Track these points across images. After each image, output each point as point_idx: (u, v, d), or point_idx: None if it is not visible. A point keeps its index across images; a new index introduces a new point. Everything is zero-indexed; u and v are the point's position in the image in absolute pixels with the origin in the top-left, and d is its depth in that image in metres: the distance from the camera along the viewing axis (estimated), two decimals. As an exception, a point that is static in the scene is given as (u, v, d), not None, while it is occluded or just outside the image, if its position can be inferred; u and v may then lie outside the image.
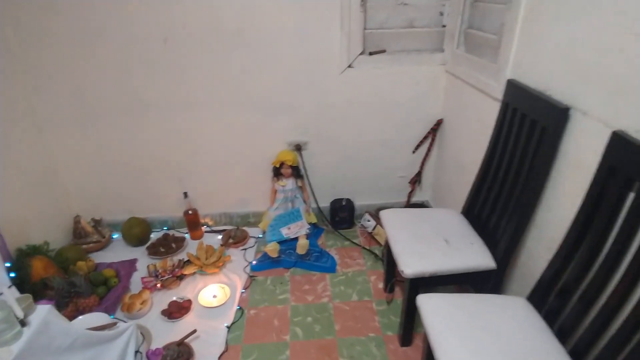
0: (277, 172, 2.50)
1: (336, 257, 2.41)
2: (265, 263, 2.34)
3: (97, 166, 2.48)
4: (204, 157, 2.50)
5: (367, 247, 2.49)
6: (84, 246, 2.47)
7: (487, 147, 1.77)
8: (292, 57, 2.24)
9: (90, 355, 1.30)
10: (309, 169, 2.56)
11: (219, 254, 2.37)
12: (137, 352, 1.47)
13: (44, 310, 1.20)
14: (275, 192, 2.57)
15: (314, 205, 2.62)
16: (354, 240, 2.55)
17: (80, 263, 2.23)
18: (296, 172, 2.51)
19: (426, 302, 1.38)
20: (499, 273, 1.63)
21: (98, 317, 1.50)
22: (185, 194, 2.51)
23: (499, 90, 1.72)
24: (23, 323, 1.14)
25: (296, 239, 2.38)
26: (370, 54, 2.28)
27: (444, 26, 2.29)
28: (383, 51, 2.30)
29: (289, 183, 2.50)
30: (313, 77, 2.30)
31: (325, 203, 2.67)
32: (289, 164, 2.42)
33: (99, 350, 1.33)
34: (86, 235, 2.52)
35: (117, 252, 2.51)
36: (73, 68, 2.20)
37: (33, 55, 2.15)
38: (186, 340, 1.84)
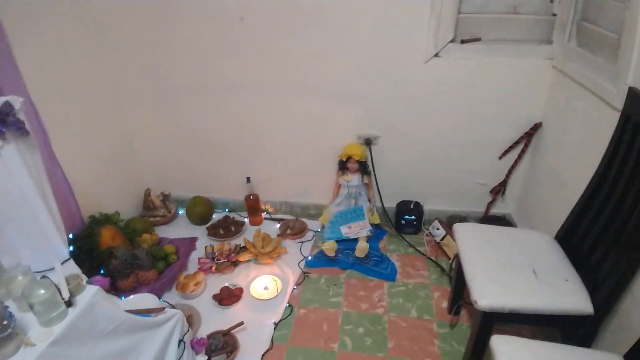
0: (343, 166, 2.34)
1: (397, 265, 2.21)
2: (321, 260, 2.22)
3: (169, 142, 2.53)
4: (269, 142, 2.42)
5: (433, 258, 2.25)
6: (151, 219, 2.55)
7: (599, 164, 1.44)
8: (372, 41, 2.04)
9: (133, 340, 1.29)
10: (378, 165, 2.36)
11: (275, 244, 2.30)
12: (180, 340, 1.44)
13: (92, 292, 1.19)
14: (338, 186, 2.42)
15: (378, 204, 2.43)
16: (419, 248, 2.33)
17: (145, 236, 2.29)
18: (363, 168, 2.33)
19: (503, 347, 1.15)
20: (596, 321, 1.33)
21: (147, 299, 1.50)
22: (248, 179, 2.46)
23: (618, 98, 1.39)
24: (69, 303, 1.13)
25: (356, 239, 2.22)
26: (463, 42, 1.99)
27: (554, 15, 1.92)
28: (478, 39, 1.99)
29: (354, 179, 2.33)
30: (393, 64, 2.07)
31: (391, 204, 2.46)
32: (357, 158, 2.24)
33: (142, 336, 1.32)
34: (154, 209, 2.60)
35: (179, 228, 2.56)
36: (153, 46, 2.22)
37: (119, 34, 2.21)
38: (232, 332, 1.81)
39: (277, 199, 2.62)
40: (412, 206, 2.39)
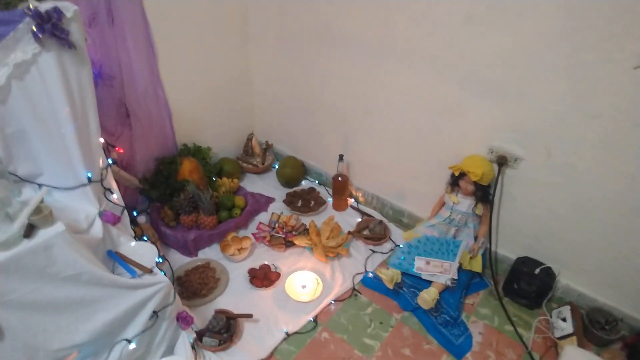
0: (454, 182, 1.71)
1: (477, 339, 1.57)
2: (382, 285, 1.74)
3: (282, 91, 2.31)
4: (376, 121, 1.94)
5: (536, 358, 1.50)
6: (244, 164, 2.47)
7: None
8: (555, 12, 1.28)
9: (94, 294, 1.18)
10: (507, 197, 1.65)
11: (340, 241, 1.91)
12: (155, 312, 1.28)
13: (55, 231, 1.09)
14: (441, 204, 1.81)
15: (488, 246, 1.74)
16: (522, 332, 1.59)
17: (225, 180, 2.22)
18: (481, 193, 1.66)
19: None
20: None
21: (148, 251, 1.38)
22: (341, 157, 2.07)
23: None
24: (27, 234, 1.06)
25: (429, 282, 1.64)
26: None
27: None
28: None
29: (463, 202, 1.69)
30: (580, 59, 1.28)
31: (509, 253, 1.74)
32: (474, 178, 1.59)
33: (107, 293, 1.20)
34: (252, 155, 2.51)
35: (265, 183, 2.42)
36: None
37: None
38: (239, 319, 1.59)
39: (370, 189, 2.18)
40: (538, 270, 1.62)
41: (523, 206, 1.64)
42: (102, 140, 1.42)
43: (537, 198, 1.59)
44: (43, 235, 1.08)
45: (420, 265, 1.65)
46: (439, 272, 1.62)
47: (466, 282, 1.69)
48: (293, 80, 2.20)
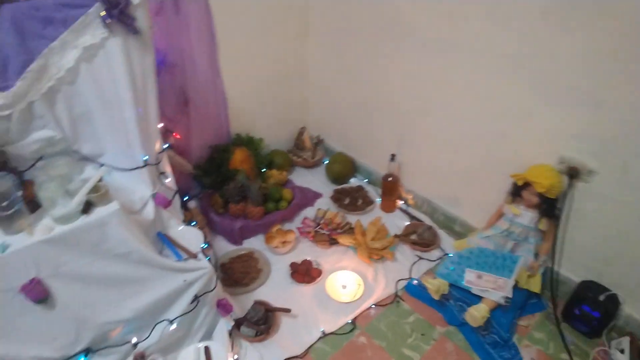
0: (516, 192, 1.57)
1: (527, 364, 1.44)
2: (426, 294, 1.64)
3: (338, 86, 2.27)
4: (434, 121, 1.83)
5: (595, 395, 1.35)
6: (294, 158, 2.47)
7: None
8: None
9: (142, 273, 1.22)
10: (576, 214, 1.49)
11: (386, 244, 1.85)
12: (197, 296, 1.31)
13: (110, 210, 1.14)
14: (500, 215, 1.68)
15: (547, 266, 1.58)
16: (581, 364, 1.43)
17: (274, 172, 2.23)
18: (547, 207, 1.51)
19: None
20: None
21: (194, 236, 1.40)
22: (393, 157, 1.99)
23: None
24: (85, 210, 1.11)
25: (479, 297, 1.53)
26: None
27: None
28: None
29: (525, 215, 1.55)
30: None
31: (572, 275, 1.58)
32: (541, 190, 1.45)
33: (154, 274, 1.23)
34: (302, 149, 2.50)
35: (314, 178, 2.39)
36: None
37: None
38: (277, 313, 1.58)
39: (421, 192, 2.08)
40: (603, 297, 1.45)
41: (593, 225, 1.47)
42: (161, 125, 1.47)
43: (610, 217, 1.41)
44: (99, 212, 1.13)
45: (471, 279, 1.54)
46: (491, 288, 1.50)
47: (521, 302, 1.55)
48: (349, 74, 2.14)
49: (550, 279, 1.56)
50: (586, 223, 1.49)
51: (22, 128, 1.19)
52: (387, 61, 1.90)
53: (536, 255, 1.59)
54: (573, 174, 1.42)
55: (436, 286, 1.52)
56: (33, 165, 1.24)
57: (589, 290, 1.49)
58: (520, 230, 1.58)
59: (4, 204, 0.98)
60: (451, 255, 1.71)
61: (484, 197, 1.77)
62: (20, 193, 1.01)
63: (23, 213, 1.05)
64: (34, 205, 1.11)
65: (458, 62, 1.61)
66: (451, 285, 1.58)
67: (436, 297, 1.54)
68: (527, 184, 1.50)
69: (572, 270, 1.59)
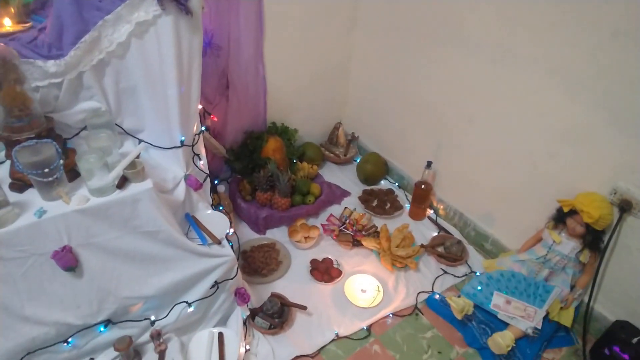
0: (560, 218, 1.48)
1: (547, 401, 1.37)
2: (447, 310, 1.58)
3: (378, 84, 2.21)
4: (476, 130, 1.75)
5: None
6: (327, 153, 2.44)
7: None
8: None
9: (167, 253, 1.23)
10: (621, 249, 1.39)
11: (411, 252, 1.80)
12: (217, 282, 1.31)
13: (144, 187, 1.14)
14: (538, 240, 1.59)
15: (581, 299, 1.50)
16: (607, 410, 1.35)
17: (305, 164, 2.21)
18: (592, 239, 1.41)
19: None
20: None
21: (220, 222, 1.40)
22: (429, 163, 1.93)
23: None
24: (120, 185, 1.12)
25: (504, 324, 1.46)
26: None
27: None
28: None
29: (566, 244, 1.47)
30: None
31: (606, 313, 1.49)
32: (588, 220, 1.36)
33: (178, 255, 1.24)
34: (335, 144, 2.46)
35: (343, 175, 2.36)
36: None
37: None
38: (294, 308, 1.57)
39: (454, 204, 2.00)
40: (635, 340, 1.35)
41: (637, 263, 1.37)
42: (200, 106, 1.46)
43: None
44: (133, 189, 1.14)
45: (499, 303, 1.47)
46: (520, 315, 1.43)
47: (549, 334, 1.47)
48: (393, 74, 2.08)
49: (585, 314, 1.47)
50: (630, 260, 1.39)
51: (70, 97, 1.21)
52: (433, 63, 1.83)
53: (572, 287, 1.50)
54: (625, 207, 1.33)
55: (460, 306, 1.46)
56: (77, 134, 1.26)
57: (622, 331, 1.40)
58: (558, 259, 1.50)
59: (46, 170, 0.99)
60: (479, 274, 1.64)
61: (522, 218, 1.68)
62: (62, 161, 1.02)
63: (62, 181, 1.07)
64: (73, 174, 1.13)
65: (512, 72, 1.53)
66: (476, 306, 1.51)
67: (459, 316, 1.48)
68: (573, 212, 1.41)
69: (607, 308, 1.49)
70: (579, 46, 1.31)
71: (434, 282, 1.74)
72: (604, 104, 1.31)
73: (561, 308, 1.48)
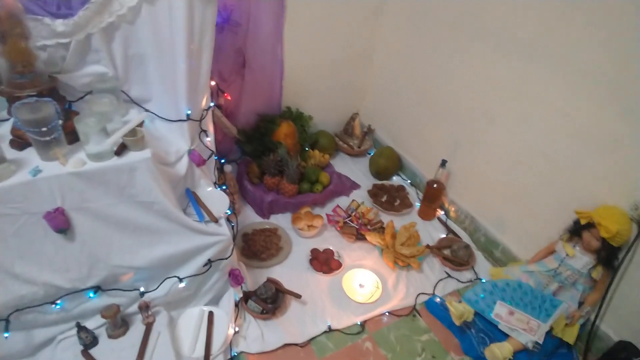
0: (575, 231, 1.40)
1: (542, 420, 1.29)
2: (447, 316, 1.51)
3: (399, 76, 2.13)
4: (496, 131, 1.67)
5: None
6: (340, 143, 2.38)
7: None
8: None
9: (160, 226, 1.21)
10: (636, 269, 1.30)
11: (415, 252, 1.74)
12: (210, 261, 1.28)
13: (139, 157, 1.12)
14: (550, 252, 1.51)
15: (591, 319, 1.40)
16: None
17: (316, 152, 2.16)
18: (607, 256, 1.32)
19: None
20: None
21: (220, 200, 1.37)
22: (444, 162, 1.85)
23: None
24: (118, 152, 1.10)
25: (504, 335, 1.39)
26: None
27: None
28: None
29: (580, 259, 1.38)
30: None
31: (612, 333, 1.39)
32: (605, 235, 1.26)
33: (172, 228, 1.22)
34: (350, 135, 2.40)
35: (355, 167, 2.30)
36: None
37: None
38: (288, 295, 1.54)
39: (466, 207, 1.92)
40: (647, 369, 1.26)
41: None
42: (213, 83, 1.43)
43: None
44: (131, 157, 1.12)
45: (501, 313, 1.40)
46: (521, 328, 1.35)
47: (550, 349, 1.39)
48: (416, 67, 2.00)
49: (589, 332, 1.39)
50: (650, 283, 1.29)
51: (77, 59, 1.19)
52: (460, 58, 1.74)
53: (580, 303, 1.41)
54: (648, 225, 1.23)
55: (460, 311, 1.40)
56: (82, 97, 1.25)
57: (623, 351, 1.32)
58: (569, 274, 1.41)
59: (44, 129, 0.98)
60: (484, 281, 1.57)
61: (535, 227, 1.60)
62: (60, 122, 1.01)
63: (61, 142, 1.06)
64: (73, 136, 1.12)
65: (539, 72, 1.43)
66: (476, 314, 1.44)
67: (457, 322, 1.41)
68: (590, 225, 1.32)
69: (613, 327, 1.40)
70: (617, 51, 1.21)
71: (436, 284, 1.67)
72: (636, 113, 1.20)
73: (566, 324, 1.40)
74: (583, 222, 1.35)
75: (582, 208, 1.37)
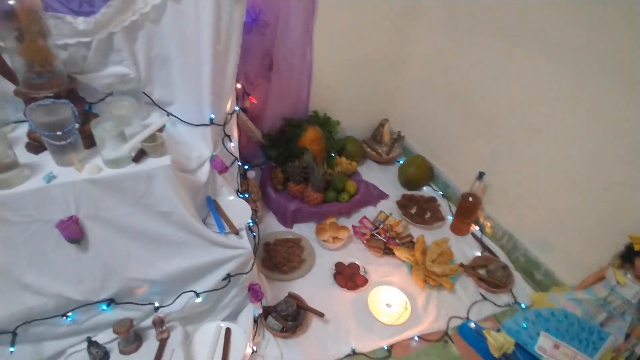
0: (628, 257, 1.25)
1: None
2: (481, 342, 1.39)
3: (434, 81, 2.01)
4: (545, 144, 1.52)
5: None
6: (368, 150, 2.28)
7: None
8: None
9: (179, 237, 1.13)
10: None
11: (447, 271, 1.61)
12: (229, 275, 1.20)
13: (158, 164, 1.05)
14: (599, 278, 1.35)
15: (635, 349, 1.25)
16: None
17: (343, 159, 2.06)
18: (670, 287, 1.17)
19: None
20: None
21: (243, 211, 1.29)
22: (481, 175, 1.72)
23: None
24: (136, 158, 1.03)
25: (548, 369, 1.25)
26: None
27: None
28: None
29: (631, 288, 1.23)
30: None
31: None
32: (669, 264, 1.11)
33: (191, 240, 1.14)
34: (379, 142, 2.30)
35: (383, 175, 2.19)
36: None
37: None
38: (310, 313, 1.45)
39: (504, 223, 1.78)
40: None
41: None
42: (239, 86, 1.36)
43: None
44: (149, 164, 1.05)
45: (545, 346, 1.26)
46: (567, 363, 1.21)
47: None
48: (451, 71, 1.88)
49: (644, 371, 1.23)
50: None
51: (99, 59, 1.14)
52: (501, 62, 1.61)
53: (627, 336, 1.26)
54: None
55: (500, 342, 1.26)
56: (102, 99, 1.20)
57: None
58: (619, 304, 1.26)
59: (59, 132, 0.92)
60: (525, 308, 1.43)
61: (583, 250, 1.44)
62: (77, 125, 0.95)
63: (78, 147, 1.01)
64: (91, 140, 1.06)
65: (599, 81, 1.29)
66: (517, 345, 1.31)
67: (496, 354, 1.28)
68: (650, 253, 1.17)
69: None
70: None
71: (470, 307, 1.54)
72: None
73: (612, 358, 1.25)
74: (637, 247, 1.20)
75: (637, 233, 1.22)
